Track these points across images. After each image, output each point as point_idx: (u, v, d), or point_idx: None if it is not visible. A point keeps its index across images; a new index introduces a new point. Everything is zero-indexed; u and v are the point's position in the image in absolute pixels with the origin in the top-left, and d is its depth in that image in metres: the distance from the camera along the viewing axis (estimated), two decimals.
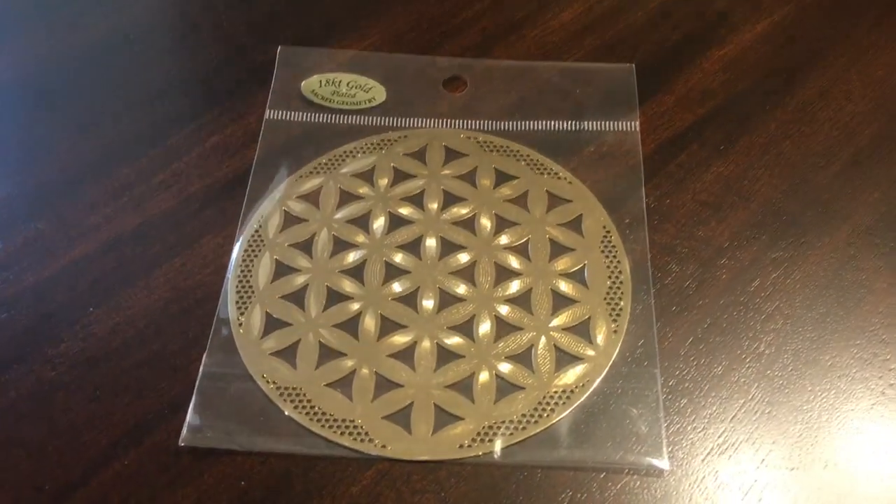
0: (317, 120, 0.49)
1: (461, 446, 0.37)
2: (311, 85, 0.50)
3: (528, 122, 0.48)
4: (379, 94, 0.50)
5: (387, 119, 0.49)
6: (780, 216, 0.44)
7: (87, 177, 0.47)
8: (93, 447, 0.38)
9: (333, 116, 0.49)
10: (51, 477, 0.37)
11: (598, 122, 0.48)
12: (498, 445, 0.37)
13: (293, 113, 0.49)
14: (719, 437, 0.38)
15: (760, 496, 0.36)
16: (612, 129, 0.48)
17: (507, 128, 0.48)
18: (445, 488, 0.36)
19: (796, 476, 0.37)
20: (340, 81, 0.50)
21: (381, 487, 0.36)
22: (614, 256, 0.43)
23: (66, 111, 0.50)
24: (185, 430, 0.37)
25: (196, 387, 0.39)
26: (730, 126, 0.48)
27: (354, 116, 0.49)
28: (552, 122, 0.48)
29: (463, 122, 0.49)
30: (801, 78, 0.50)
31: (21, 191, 0.46)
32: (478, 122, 0.49)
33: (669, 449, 0.37)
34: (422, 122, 0.49)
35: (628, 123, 0.48)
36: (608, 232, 0.44)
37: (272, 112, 0.49)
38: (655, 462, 0.37)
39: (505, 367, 0.39)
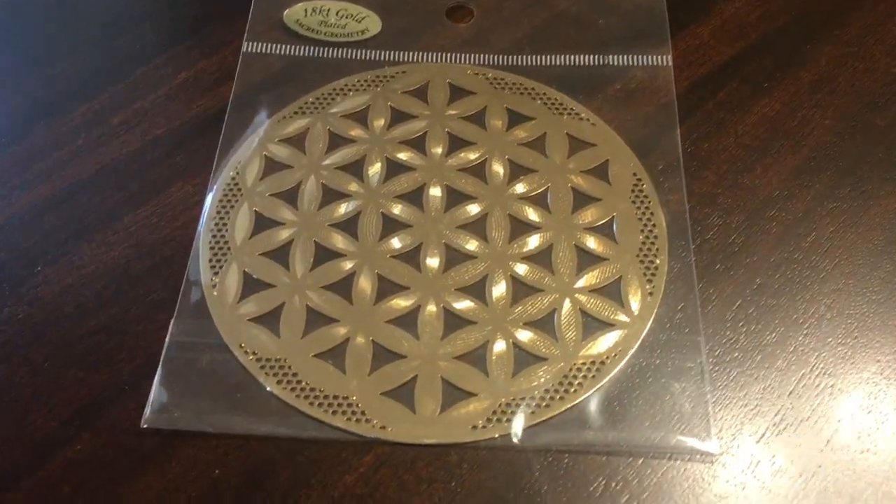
0: (301, 54, 0.43)
1: (474, 427, 0.32)
2: (295, 14, 0.44)
3: (543, 57, 0.42)
4: (373, 24, 0.43)
5: (382, 53, 0.43)
6: (836, 162, 0.39)
7: (35, 118, 0.40)
8: (40, 430, 0.32)
9: (321, 50, 0.43)
10: None
11: (625, 57, 0.42)
12: (517, 426, 0.32)
13: (274, 46, 0.43)
14: (776, 414, 0.32)
15: (825, 483, 0.31)
16: (640, 63, 0.42)
17: (519, 63, 0.42)
18: (456, 476, 0.31)
19: (867, 460, 0.31)
20: (329, 10, 0.44)
21: (381, 475, 0.31)
22: (647, 207, 0.37)
23: (15, 43, 0.43)
24: (148, 409, 0.32)
25: (161, 358, 0.33)
26: (773, 61, 0.42)
27: (345, 50, 0.43)
28: (572, 57, 0.42)
29: (469, 57, 0.43)
30: (854, 7, 0.44)
31: None
32: (486, 57, 0.42)
33: (717, 429, 0.32)
34: (422, 56, 0.43)
35: (659, 58, 0.42)
36: (639, 180, 0.38)
37: (250, 45, 0.43)
38: (702, 445, 0.31)
39: (524, 335, 0.34)
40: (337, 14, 0.43)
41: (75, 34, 0.44)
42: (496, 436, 0.32)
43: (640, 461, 0.31)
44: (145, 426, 0.31)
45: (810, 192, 0.38)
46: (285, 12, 0.44)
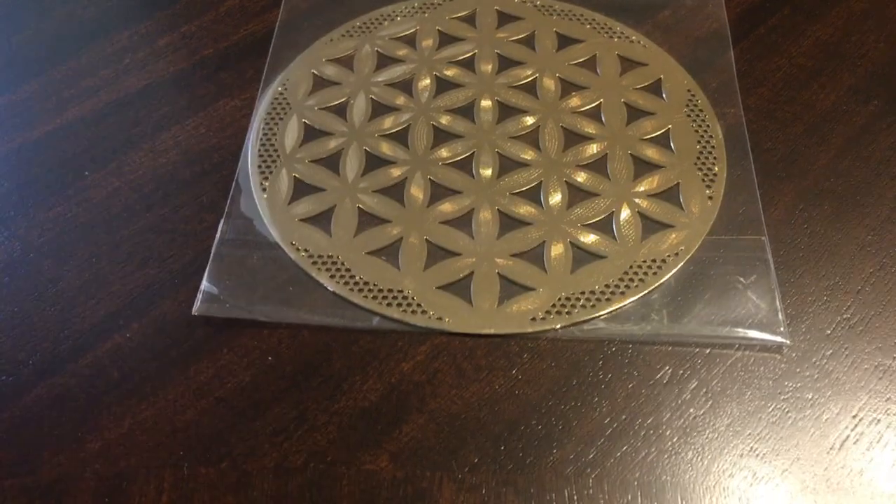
0: None
1: (534, 319, 0.31)
2: None
3: None
4: None
5: None
6: (893, 81, 0.38)
7: (82, 39, 0.40)
8: (86, 319, 0.31)
9: None
10: (35, 350, 0.30)
11: None
12: (578, 318, 0.31)
13: None
14: (846, 310, 0.31)
15: None
16: None
17: None
18: (517, 364, 0.30)
19: None
20: None
21: (439, 363, 0.30)
22: (703, 121, 0.37)
23: None
24: (199, 299, 0.31)
25: (212, 253, 0.32)
26: None
27: None
28: None
29: None
30: None
31: (5, 55, 0.40)
32: None
33: (787, 322, 0.30)
34: None
35: None
36: (693, 95, 0.37)
37: None
38: (771, 336, 0.30)
39: (582, 236, 0.33)
40: None
41: None
42: (557, 327, 0.30)
43: (708, 351, 0.30)
44: (196, 314, 0.31)
45: (868, 107, 0.37)
46: None
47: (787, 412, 0.29)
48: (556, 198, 0.34)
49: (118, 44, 0.40)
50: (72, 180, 0.35)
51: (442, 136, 0.36)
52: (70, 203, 0.34)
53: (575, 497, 0.27)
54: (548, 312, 0.31)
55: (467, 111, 0.37)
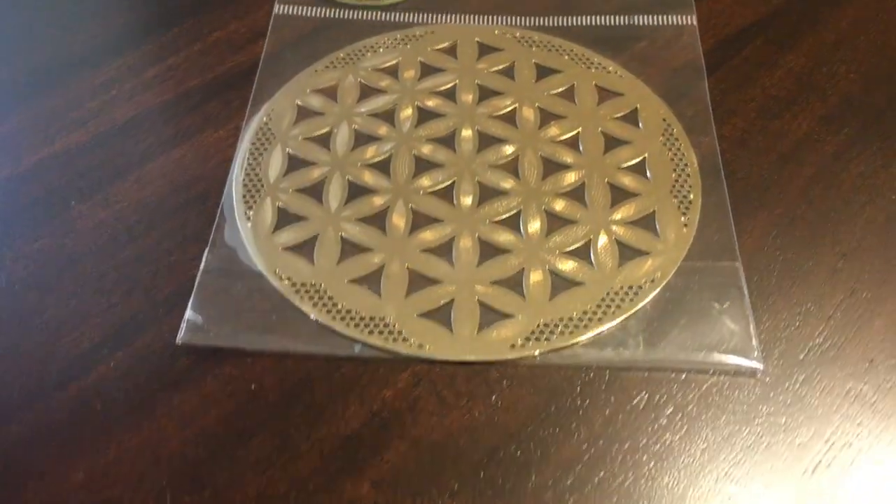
0: (332, 16, 0.43)
1: (513, 346, 0.31)
2: None
3: (569, 18, 0.43)
4: None
5: (411, 15, 0.44)
6: (863, 111, 0.39)
7: (70, 71, 0.41)
8: (71, 349, 0.31)
9: (351, 13, 0.44)
10: (19, 382, 0.30)
11: (650, 17, 0.43)
12: (556, 344, 0.31)
13: (305, 8, 0.44)
14: (818, 335, 0.32)
15: (874, 401, 0.30)
16: (666, 23, 0.43)
17: (546, 24, 0.43)
18: (496, 391, 0.30)
19: None
20: None
21: (420, 391, 0.30)
22: (678, 149, 0.37)
23: (53, 2, 0.44)
24: (183, 328, 0.31)
25: (196, 283, 0.33)
26: (795, 23, 0.43)
27: (374, 13, 0.44)
28: (598, 18, 0.43)
29: (496, 19, 0.43)
30: None
31: None
32: (513, 19, 0.43)
33: (761, 346, 0.31)
34: (450, 18, 0.43)
35: (685, 18, 0.43)
36: (669, 125, 0.38)
37: (281, 7, 0.44)
38: (746, 361, 0.31)
39: (560, 263, 0.34)
40: None
41: None
42: (535, 354, 0.31)
43: (684, 376, 0.31)
44: (180, 343, 0.31)
45: (839, 136, 0.38)
46: None
47: (762, 436, 0.29)
48: (534, 226, 0.35)
49: (106, 75, 0.41)
50: (58, 212, 0.35)
51: (423, 165, 0.37)
52: (56, 234, 0.35)
53: None
54: (527, 339, 0.31)
55: (448, 141, 0.38)
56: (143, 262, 0.34)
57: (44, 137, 0.38)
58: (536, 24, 0.43)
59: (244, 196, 0.36)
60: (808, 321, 0.32)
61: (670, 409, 0.30)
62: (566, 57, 0.41)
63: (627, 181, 0.36)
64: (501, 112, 0.39)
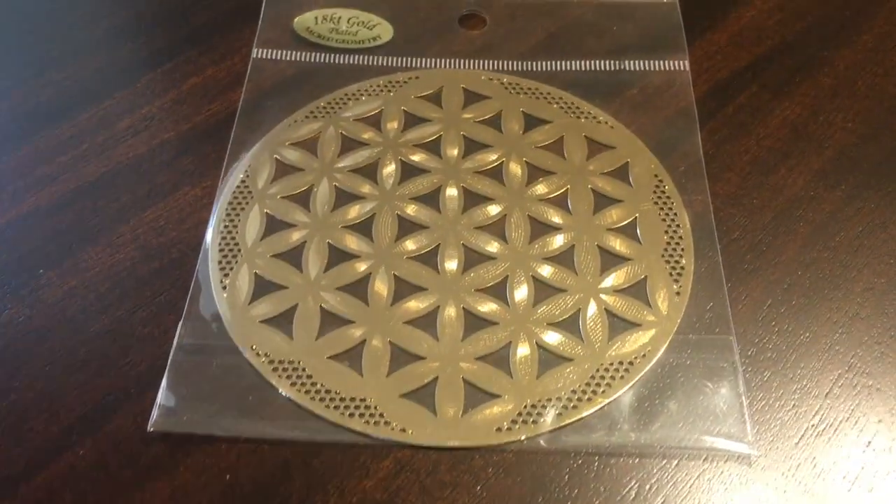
0: (312, 60, 0.42)
1: (499, 430, 0.30)
2: (306, 21, 0.43)
3: (558, 63, 0.42)
4: (385, 31, 0.43)
5: (394, 59, 0.42)
6: (860, 164, 0.38)
7: (38, 123, 0.39)
8: (40, 435, 0.30)
9: (332, 57, 0.42)
10: None
11: (642, 62, 0.41)
12: (544, 428, 0.30)
13: (284, 52, 0.42)
14: (814, 415, 0.31)
15: (871, 485, 0.29)
16: (657, 68, 0.41)
17: (534, 68, 0.41)
18: (481, 480, 0.29)
19: None
20: (340, 18, 0.43)
21: (402, 480, 0.29)
22: (670, 209, 0.36)
23: (19, 47, 0.43)
24: (155, 413, 0.30)
25: (169, 361, 0.31)
26: (792, 67, 0.42)
27: (356, 56, 0.42)
28: (587, 62, 0.42)
29: (483, 63, 0.42)
30: (871, 12, 0.44)
31: None
32: (500, 63, 0.42)
33: (755, 430, 0.30)
34: (435, 62, 0.42)
35: (677, 63, 0.41)
36: (661, 181, 0.37)
37: (260, 52, 0.42)
38: (739, 446, 0.30)
39: (548, 336, 0.32)
40: (348, 21, 0.43)
41: (80, 39, 0.43)
42: (522, 438, 0.30)
43: (675, 463, 0.30)
44: (152, 430, 0.30)
45: (836, 192, 0.37)
46: (295, 20, 0.43)
47: None
48: (521, 293, 0.34)
49: (76, 127, 0.39)
50: (25, 280, 0.34)
51: (407, 227, 0.36)
52: (23, 305, 0.33)
53: None
54: (513, 422, 0.30)
55: (432, 199, 0.37)
56: (114, 336, 0.33)
57: (10, 196, 0.37)
58: (523, 68, 0.41)
59: (220, 262, 0.34)
60: (804, 400, 0.31)
61: (661, 500, 0.29)
62: (555, 105, 0.40)
63: (618, 244, 0.35)
64: (488, 167, 0.38)
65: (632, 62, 0.41)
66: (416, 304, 0.33)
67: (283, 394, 0.31)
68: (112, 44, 0.42)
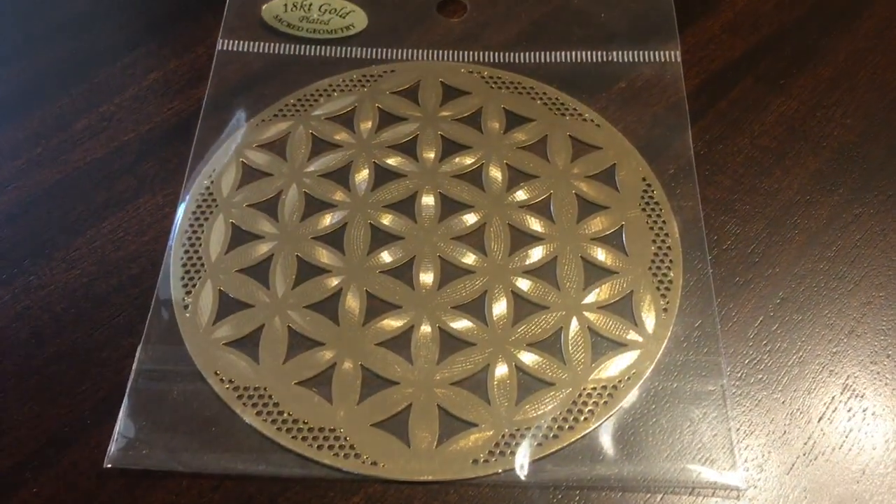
0: (281, 52, 0.40)
1: (475, 462, 0.29)
2: (274, 9, 0.40)
3: (542, 54, 0.39)
4: (359, 19, 0.40)
5: (368, 50, 0.40)
6: (859, 164, 0.36)
7: None
8: None
9: (302, 48, 0.40)
10: None
11: (630, 52, 0.39)
12: (523, 459, 0.28)
13: (252, 44, 0.40)
14: (805, 442, 0.29)
15: None
16: (647, 59, 0.39)
17: (517, 60, 0.39)
18: None
19: None
20: (311, 5, 0.40)
21: None
22: (658, 216, 0.34)
23: None
24: (112, 447, 0.29)
25: (128, 389, 0.30)
26: (789, 57, 0.39)
27: (328, 48, 0.40)
28: (573, 53, 0.39)
29: (462, 54, 0.39)
30: None
31: None
32: (481, 54, 0.39)
33: (743, 460, 0.29)
34: (412, 53, 0.40)
35: (667, 53, 0.39)
36: (648, 185, 0.35)
37: (225, 42, 0.40)
38: (726, 478, 0.28)
39: (527, 358, 0.31)
40: (319, 9, 0.40)
41: (32, 31, 0.40)
42: (499, 471, 0.28)
43: (659, 497, 0.28)
44: (109, 466, 0.28)
45: (833, 196, 0.35)
46: (263, 7, 0.40)
47: None
48: (500, 310, 0.32)
49: (29, 128, 0.37)
50: None
51: (381, 238, 0.34)
52: None
53: None
54: (490, 453, 0.29)
55: (408, 207, 0.35)
56: (70, 361, 0.31)
57: None
58: (505, 59, 0.39)
59: (182, 278, 0.32)
60: (795, 425, 0.30)
61: None
62: (538, 102, 0.38)
63: (603, 256, 0.33)
64: (466, 171, 0.36)
65: (620, 53, 0.39)
66: (389, 324, 0.32)
67: (249, 423, 0.29)
68: (66, 37, 0.40)
